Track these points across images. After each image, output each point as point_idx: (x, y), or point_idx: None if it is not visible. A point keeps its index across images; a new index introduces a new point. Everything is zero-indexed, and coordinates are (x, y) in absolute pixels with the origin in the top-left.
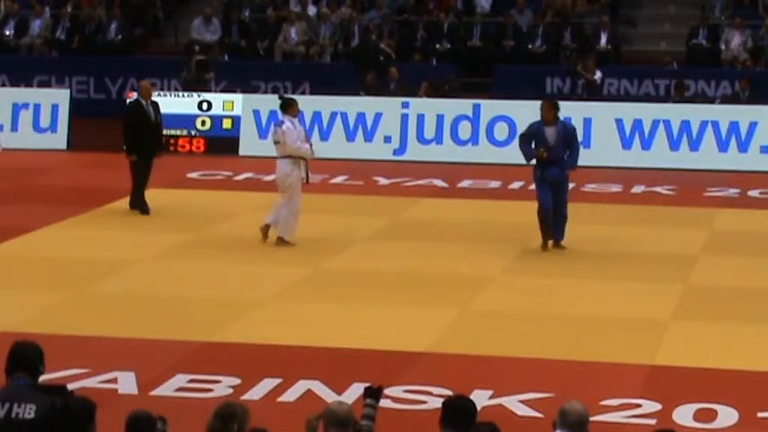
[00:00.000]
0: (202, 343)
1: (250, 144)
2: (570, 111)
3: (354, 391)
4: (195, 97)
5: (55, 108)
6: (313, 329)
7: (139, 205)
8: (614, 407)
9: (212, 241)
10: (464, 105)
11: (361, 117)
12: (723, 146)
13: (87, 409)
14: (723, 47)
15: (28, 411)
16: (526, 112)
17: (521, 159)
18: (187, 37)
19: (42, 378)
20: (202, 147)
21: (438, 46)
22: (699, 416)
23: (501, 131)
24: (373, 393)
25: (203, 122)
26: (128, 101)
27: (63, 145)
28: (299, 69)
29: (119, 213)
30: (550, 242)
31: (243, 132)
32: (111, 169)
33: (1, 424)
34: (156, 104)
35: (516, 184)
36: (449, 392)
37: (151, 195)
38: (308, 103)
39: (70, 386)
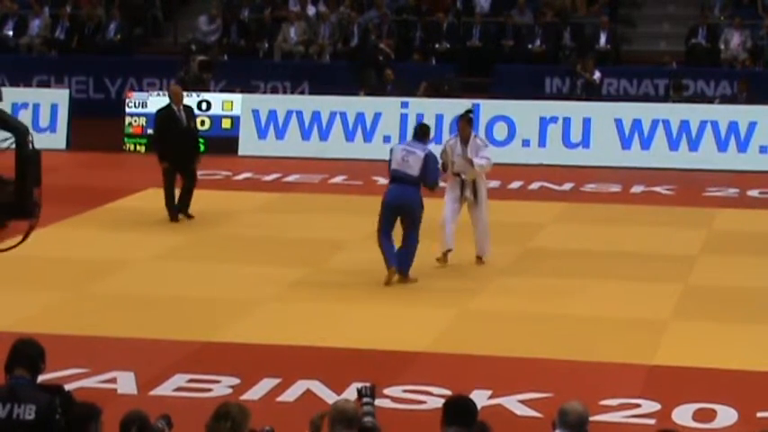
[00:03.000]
0: (202, 343)
1: (249, 144)
2: (570, 111)
3: (354, 391)
4: (194, 97)
5: (54, 108)
6: (313, 329)
7: (169, 212)
8: (614, 407)
9: (212, 241)
10: (463, 105)
11: (360, 117)
12: (722, 146)
13: (89, 414)
14: (722, 47)
15: (28, 412)
16: (526, 112)
17: (520, 159)
18: (186, 37)
19: (41, 378)
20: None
21: (437, 46)
22: (698, 416)
23: (500, 131)
24: (367, 393)
25: (203, 122)
26: (158, 107)
27: (62, 145)
28: (298, 69)
29: (119, 213)
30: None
31: (242, 132)
32: (110, 169)
33: (2, 424)
34: (189, 109)
35: (516, 184)
36: (448, 392)
37: (151, 196)
38: (308, 103)
39: (69, 386)
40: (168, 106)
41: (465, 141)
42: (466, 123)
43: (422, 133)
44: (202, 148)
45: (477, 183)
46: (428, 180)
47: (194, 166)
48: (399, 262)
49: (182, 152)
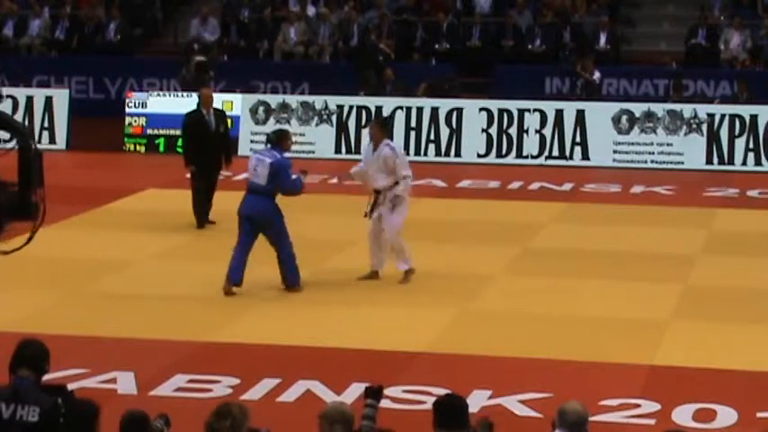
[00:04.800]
0: (202, 343)
1: (249, 144)
2: (569, 111)
3: (354, 392)
4: (194, 97)
5: (54, 108)
6: (313, 329)
7: (197, 217)
8: (614, 407)
9: (212, 241)
10: (460, 104)
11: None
12: (723, 146)
13: (91, 412)
14: (722, 47)
15: (32, 414)
16: (525, 112)
17: (519, 159)
18: (186, 37)
19: (43, 378)
20: None
21: (437, 46)
22: (698, 416)
23: (500, 131)
24: (374, 393)
25: None
26: (188, 110)
27: (62, 145)
28: (298, 69)
29: (119, 213)
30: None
31: (242, 132)
32: (110, 169)
33: (5, 425)
34: (220, 113)
35: (516, 184)
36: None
37: (151, 196)
38: (308, 104)
39: (70, 386)
40: (197, 110)
41: (375, 147)
42: (376, 129)
43: (276, 139)
44: None
45: (388, 191)
46: (282, 189)
47: (217, 173)
48: (283, 276)
49: (209, 157)
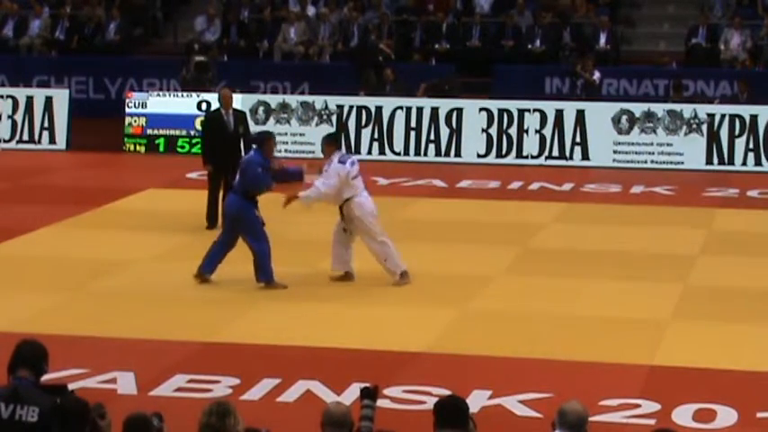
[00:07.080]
0: (202, 343)
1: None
2: (569, 111)
3: (353, 392)
4: (194, 97)
5: (54, 108)
6: (313, 329)
7: (208, 218)
8: (613, 407)
9: (212, 242)
10: (460, 105)
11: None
12: (723, 146)
13: (81, 409)
14: (722, 47)
15: (31, 414)
16: (525, 112)
17: (519, 159)
18: (186, 37)
19: (42, 378)
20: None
21: (437, 46)
22: (698, 416)
23: (500, 131)
24: (370, 394)
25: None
26: (209, 109)
27: (62, 145)
28: (298, 69)
29: (119, 213)
30: None
31: None
32: (110, 169)
33: (4, 425)
34: (239, 114)
35: (516, 184)
36: (448, 392)
37: (151, 196)
38: (308, 104)
39: (70, 386)
40: (217, 110)
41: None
42: (324, 145)
43: (258, 142)
44: None
45: (343, 209)
46: (245, 186)
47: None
48: (257, 272)
49: (226, 157)
